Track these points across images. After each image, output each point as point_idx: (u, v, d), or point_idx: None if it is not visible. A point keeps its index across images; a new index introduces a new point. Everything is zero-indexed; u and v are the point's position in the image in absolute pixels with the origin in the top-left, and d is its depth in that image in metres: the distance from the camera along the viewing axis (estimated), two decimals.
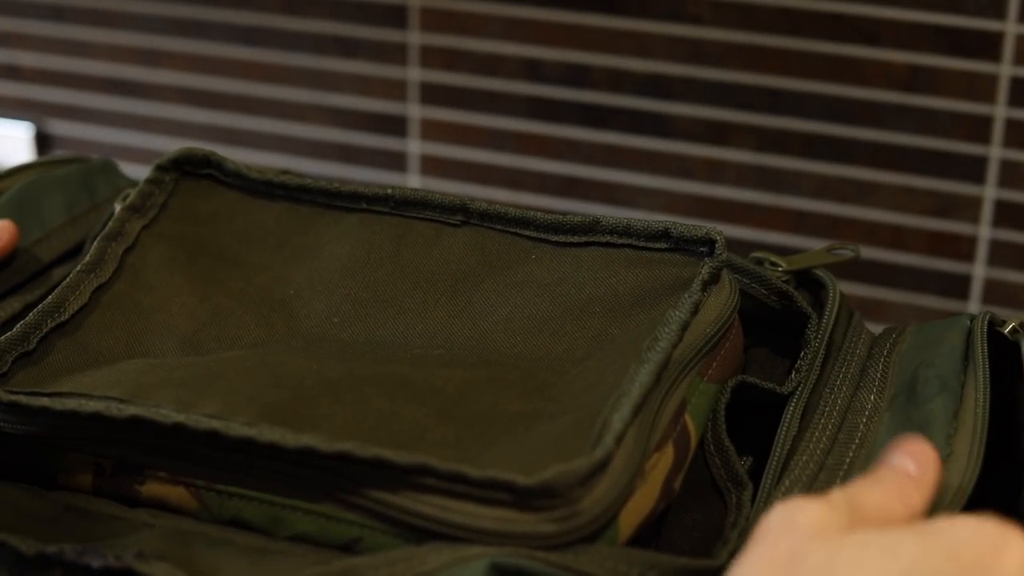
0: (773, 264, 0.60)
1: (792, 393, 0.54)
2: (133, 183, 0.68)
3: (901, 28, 1.03)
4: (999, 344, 0.54)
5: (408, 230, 0.58)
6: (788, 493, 0.48)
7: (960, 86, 1.03)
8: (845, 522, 0.40)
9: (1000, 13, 1.00)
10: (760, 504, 0.49)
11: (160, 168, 0.61)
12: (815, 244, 1.08)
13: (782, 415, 0.53)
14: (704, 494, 0.51)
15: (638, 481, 0.46)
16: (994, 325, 0.55)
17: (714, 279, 0.52)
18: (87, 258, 0.57)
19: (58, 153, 1.29)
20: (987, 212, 1.05)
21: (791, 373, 0.55)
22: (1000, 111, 1.02)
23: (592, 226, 0.56)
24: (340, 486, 0.45)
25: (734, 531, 0.48)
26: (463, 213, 0.58)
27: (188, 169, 0.62)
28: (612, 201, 1.16)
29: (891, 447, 0.44)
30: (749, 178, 1.11)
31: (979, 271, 1.07)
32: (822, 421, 0.51)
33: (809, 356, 0.55)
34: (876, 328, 0.59)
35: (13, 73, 1.35)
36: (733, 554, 0.45)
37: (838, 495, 0.41)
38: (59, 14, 1.30)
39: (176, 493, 0.48)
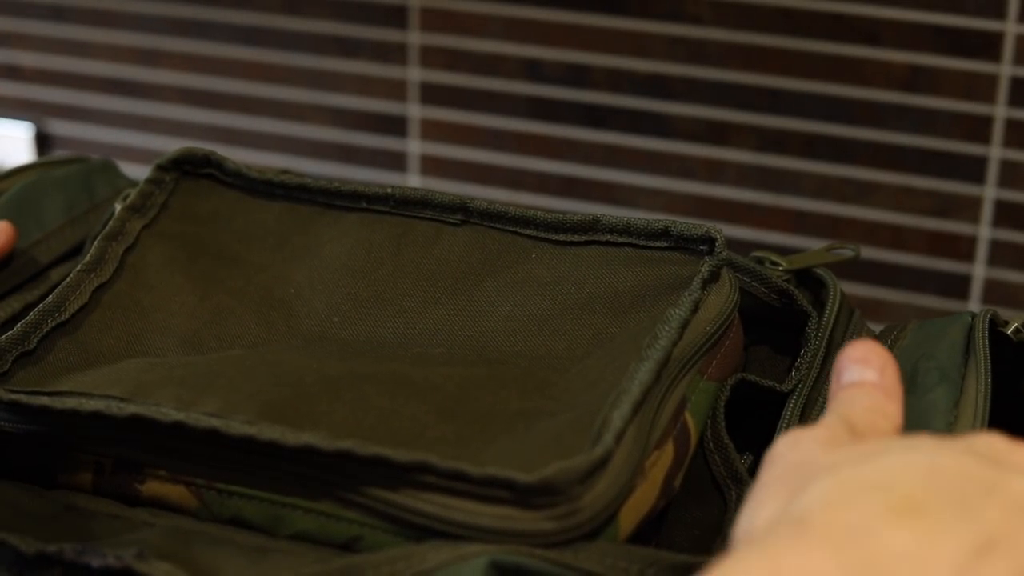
0: (773, 263, 0.60)
1: (792, 391, 0.54)
2: (133, 183, 0.68)
3: (901, 28, 1.03)
4: (1000, 345, 0.54)
5: (408, 229, 0.58)
6: None
7: (960, 86, 1.03)
8: (847, 438, 0.40)
9: (1000, 13, 1.00)
10: None
11: (160, 168, 0.61)
12: (815, 244, 1.08)
13: (782, 412, 0.53)
14: (704, 492, 0.51)
15: (638, 479, 0.46)
16: (996, 324, 0.55)
17: (714, 277, 0.52)
18: (87, 257, 0.57)
19: (58, 153, 1.29)
20: (987, 212, 1.05)
21: (791, 371, 0.55)
22: (1000, 111, 1.02)
23: (592, 225, 0.56)
24: (340, 484, 0.45)
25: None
26: (463, 212, 0.58)
27: (188, 169, 0.62)
28: (612, 201, 1.16)
29: (840, 362, 0.43)
30: (749, 178, 1.11)
31: (979, 271, 1.07)
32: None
33: (809, 354, 0.55)
34: (876, 328, 0.59)
35: (13, 73, 1.35)
36: None
37: (829, 418, 0.41)
38: (59, 14, 1.30)
39: (176, 492, 0.49)
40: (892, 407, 0.42)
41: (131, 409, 0.47)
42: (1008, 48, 1.01)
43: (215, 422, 0.46)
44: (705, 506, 0.51)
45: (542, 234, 0.57)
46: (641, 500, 0.46)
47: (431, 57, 1.18)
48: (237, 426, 0.46)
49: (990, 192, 1.05)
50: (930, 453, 0.37)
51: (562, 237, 0.56)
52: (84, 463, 0.50)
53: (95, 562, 0.42)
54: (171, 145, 1.29)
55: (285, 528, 0.47)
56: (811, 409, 0.53)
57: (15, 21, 1.33)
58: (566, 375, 0.51)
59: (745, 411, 0.54)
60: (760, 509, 0.38)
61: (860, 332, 0.57)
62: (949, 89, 1.03)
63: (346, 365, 0.51)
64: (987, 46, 1.01)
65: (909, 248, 1.08)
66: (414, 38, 1.18)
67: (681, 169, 1.13)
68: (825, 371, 0.55)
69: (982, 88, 1.02)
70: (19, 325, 0.53)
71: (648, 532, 0.49)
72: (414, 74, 1.20)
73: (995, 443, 0.38)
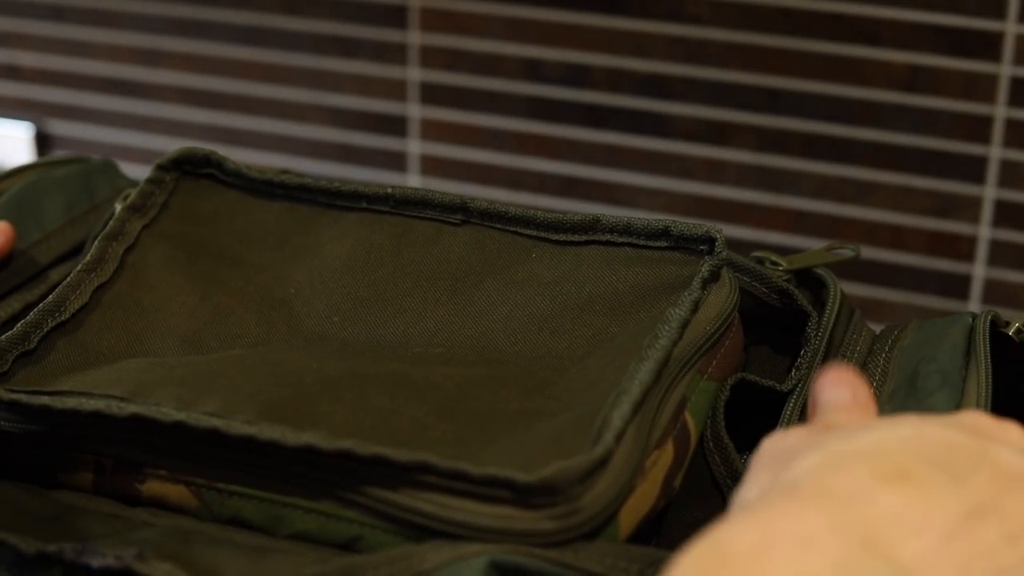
0: (773, 263, 0.60)
1: (792, 390, 0.54)
2: (133, 183, 0.68)
3: (901, 28, 1.03)
4: (1001, 345, 0.54)
5: (408, 229, 0.58)
6: None
7: (960, 86, 1.03)
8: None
9: (1000, 13, 1.00)
10: None
11: (160, 168, 0.61)
12: (815, 244, 1.08)
13: (782, 412, 0.53)
14: (704, 492, 0.51)
15: (638, 479, 0.46)
16: (997, 325, 0.55)
17: (714, 277, 0.52)
18: (88, 257, 0.57)
19: (58, 153, 1.29)
20: (987, 212, 1.05)
21: (791, 371, 0.55)
22: (1000, 111, 1.02)
23: (592, 225, 0.56)
24: (340, 484, 0.45)
25: None
26: (463, 212, 0.58)
27: (188, 169, 0.62)
28: (612, 201, 1.16)
29: (815, 388, 0.44)
30: (749, 178, 1.11)
31: (979, 271, 1.07)
32: None
33: (809, 354, 0.55)
34: (876, 328, 0.59)
35: (13, 73, 1.35)
36: None
37: (815, 423, 0.42)
38: (59, 14, 1.30)
39: (176, 492, 0.49)
40: (868, 419, 0.43)
41: (131, 409, 0.47)
42: (1008, 48, 1.01)
43: (216, 422, 0.46)
44: (705, 506, 0.51)
45: (542, 234, 0.57)
46: (641, 500, 0.46)
47: (431, 57, 1.18)
48: (238, 426, 0.46)
49: (990, 192, 1.05)
50: (917, 426, 0.38)
51: (562, 237, 0.56)
52: (84, 463, 0.50)
53: (95, 562, 0.42)
54: (171, 145, 1.29)
55: (285, 528, 0.47)
56: None
57: (15, 21, 1.33)
58: (566, 375, 0.51)
59: (745, 411, 0.54)
60: (752, 485, 0.38)
61: (860, 332, 0.57)
62: (949, 89, 1.03)
63: (346, 365, 0.51)
64: (987, 46, 1.01)
65: (909, 248, 1.08)
66: (414, 38, 1.18)
67: (681, 169, 1.13)
68: None
69: (982, 88, 1.02)
70: (19, 325, 0.53)
71: (648, 532, 0.49)
72: (414, 74, 1.20)
73: (980, 419, 0.39)
